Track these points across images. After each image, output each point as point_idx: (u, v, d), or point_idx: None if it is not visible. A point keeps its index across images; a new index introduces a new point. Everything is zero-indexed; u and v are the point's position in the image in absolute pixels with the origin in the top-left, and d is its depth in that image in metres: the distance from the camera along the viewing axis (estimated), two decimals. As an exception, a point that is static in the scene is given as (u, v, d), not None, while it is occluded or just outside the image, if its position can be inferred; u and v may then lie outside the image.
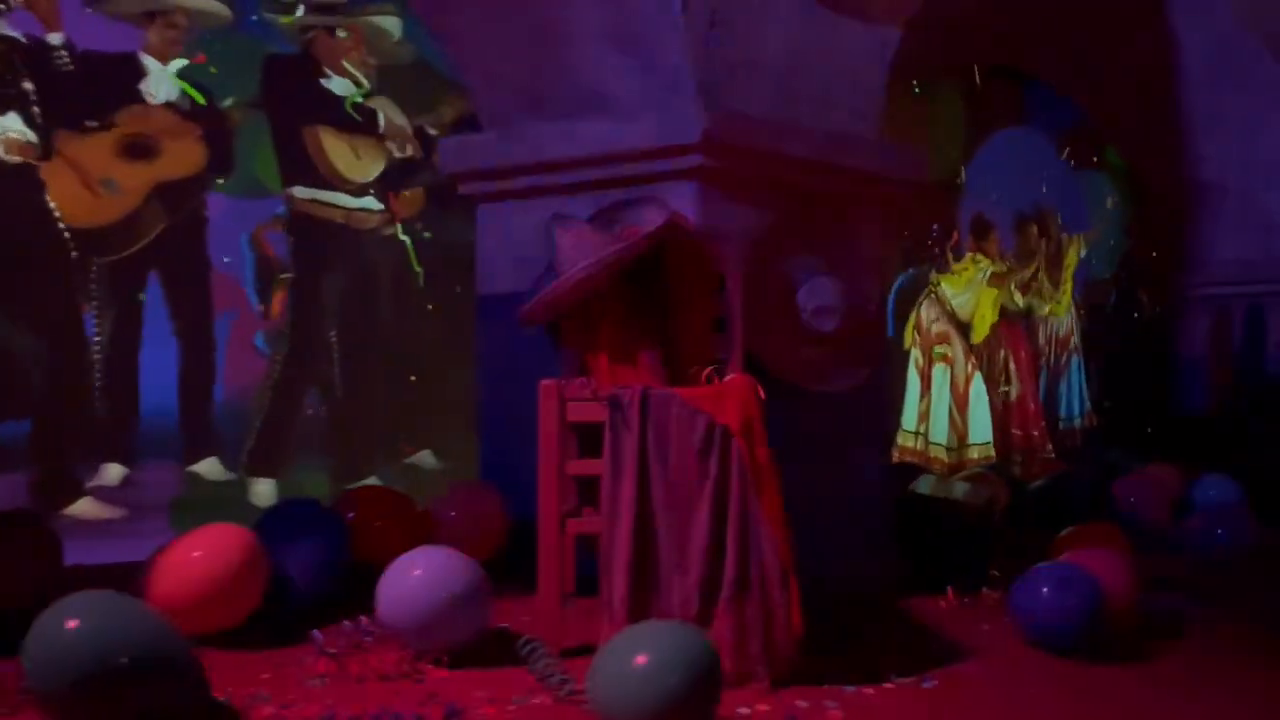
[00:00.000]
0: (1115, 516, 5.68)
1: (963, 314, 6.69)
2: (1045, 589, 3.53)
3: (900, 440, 6.66)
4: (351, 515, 3.43)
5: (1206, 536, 5.09)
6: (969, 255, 6.85)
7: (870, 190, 4.13)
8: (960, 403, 6.60)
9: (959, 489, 4.52)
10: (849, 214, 4.07)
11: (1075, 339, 7.71)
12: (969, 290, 6.65)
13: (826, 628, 3.52)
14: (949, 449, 6.54)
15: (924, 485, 4.51)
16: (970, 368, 6.68)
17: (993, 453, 6.61)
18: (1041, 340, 7.38)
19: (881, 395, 4.23)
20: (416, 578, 2.79)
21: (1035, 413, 7.20)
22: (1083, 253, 7.48)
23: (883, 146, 4.14)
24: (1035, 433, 7.12)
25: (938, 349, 6.63)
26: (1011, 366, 7.17)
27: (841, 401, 4.02)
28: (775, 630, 2.97)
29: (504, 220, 3.94)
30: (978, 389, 6.66)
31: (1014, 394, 7.12)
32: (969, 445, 6.60)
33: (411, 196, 5.64)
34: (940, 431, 6.57)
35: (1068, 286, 7.46)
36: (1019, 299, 7.27)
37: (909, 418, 6.66)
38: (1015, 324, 7.29)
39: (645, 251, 3.45)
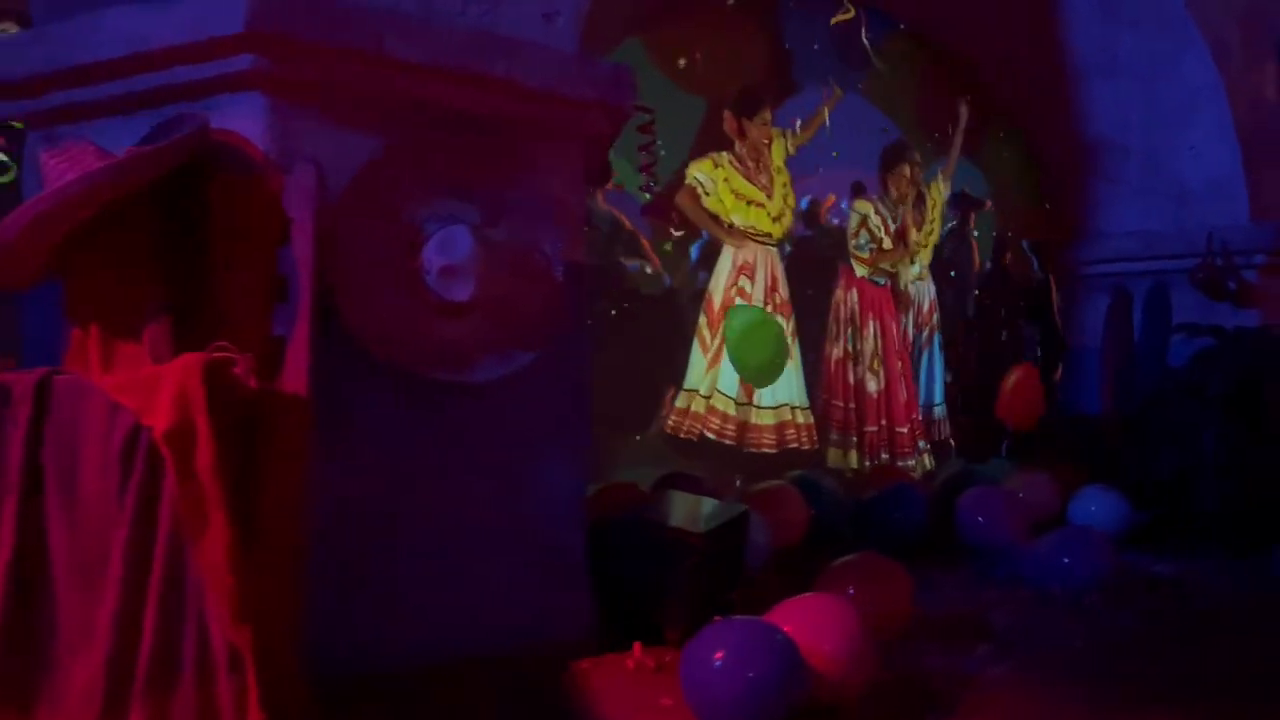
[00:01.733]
0: (959, 538, 4.72)
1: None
2: (717, 655, 2.55)
3: (681, 403, 5.68)
4: None
5: (1046, 566, 4.09)
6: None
7: (553, 114, 3.14)
8: None
9: (706, 509, 3.52)
10: (520, 145, 3.09)
11: (936, 313, 6.71)
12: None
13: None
14: (739, 403, 5.57)
15: (673, 508, 3.52)
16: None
17: (805, 420, 5.67)
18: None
19: (578, 386, 3.23)
20: None
21: (908, 403, 6.18)
22: (945, 192, 6.46)
23: (566, 58, 3.14)
24: (904, 428, 6.10)
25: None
26: (878, 343, 6.16)
27: (514, 395, 3.06)
28: (220, 734, 2.00)
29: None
30: None
31: (881, 381, 6.11)
32: (762, 408, 5.60)
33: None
34: (732, 382, 5.57)
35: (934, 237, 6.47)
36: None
37: (694, 374, 5.69)
38: (881, 289, 6.27)
39: (156, 178, 2.49)
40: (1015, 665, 3.30)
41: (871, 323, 6.21)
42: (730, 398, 5.55)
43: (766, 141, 5.85)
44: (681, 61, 6.48)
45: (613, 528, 3.29)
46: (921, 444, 6.30)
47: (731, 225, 5.76)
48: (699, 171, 5.75)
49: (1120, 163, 5.89)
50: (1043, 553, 4.17)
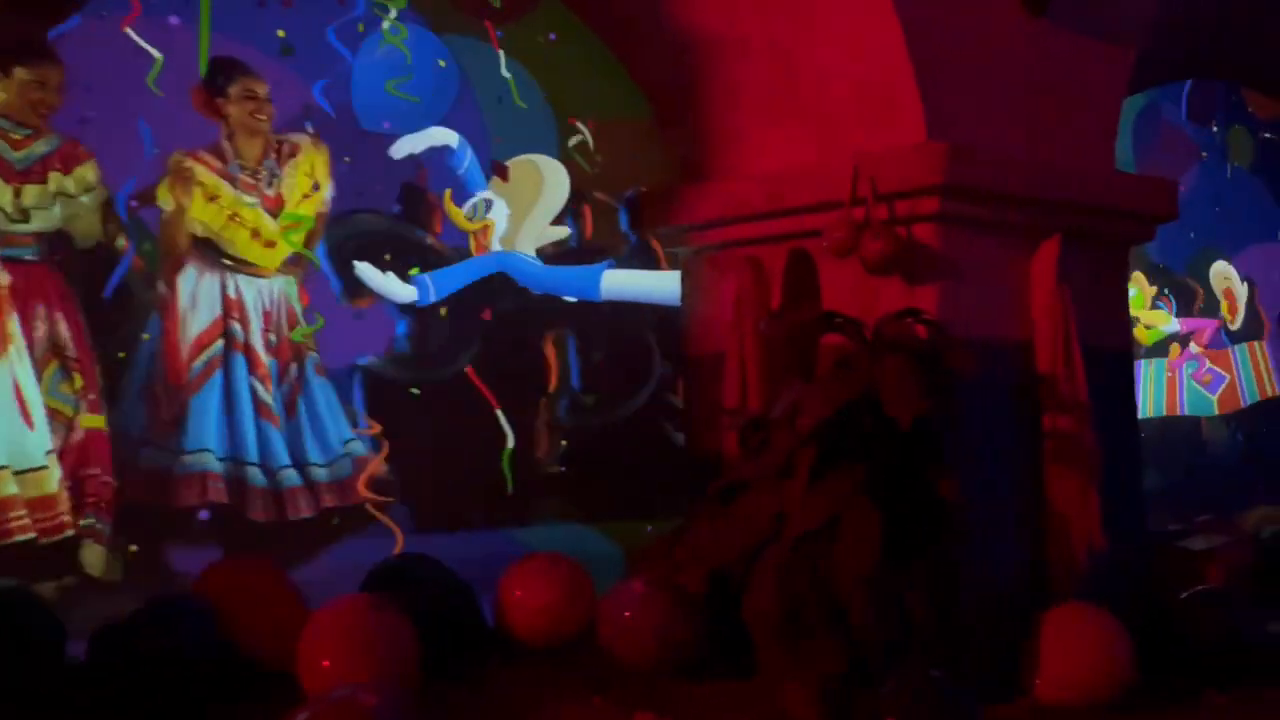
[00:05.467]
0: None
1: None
2: None
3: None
4: None
5: None
6: None
7: None
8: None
9: None
10: None
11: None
12: None
13: None
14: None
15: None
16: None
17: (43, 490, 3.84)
18: (210, 316, 4.47)
19: None
20: None
21: (86, 446, 4.27)
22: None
23: None
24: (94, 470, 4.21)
25: None
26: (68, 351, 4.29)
27: None
28: None
29: None
30: None
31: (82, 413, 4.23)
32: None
33: None
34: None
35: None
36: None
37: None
38: (38, 268, 4.29)
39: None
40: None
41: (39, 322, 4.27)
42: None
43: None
44: None
45: None
46: (95, 518, 4.32)
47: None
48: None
49: (747, 73, 3.90)
50: None
